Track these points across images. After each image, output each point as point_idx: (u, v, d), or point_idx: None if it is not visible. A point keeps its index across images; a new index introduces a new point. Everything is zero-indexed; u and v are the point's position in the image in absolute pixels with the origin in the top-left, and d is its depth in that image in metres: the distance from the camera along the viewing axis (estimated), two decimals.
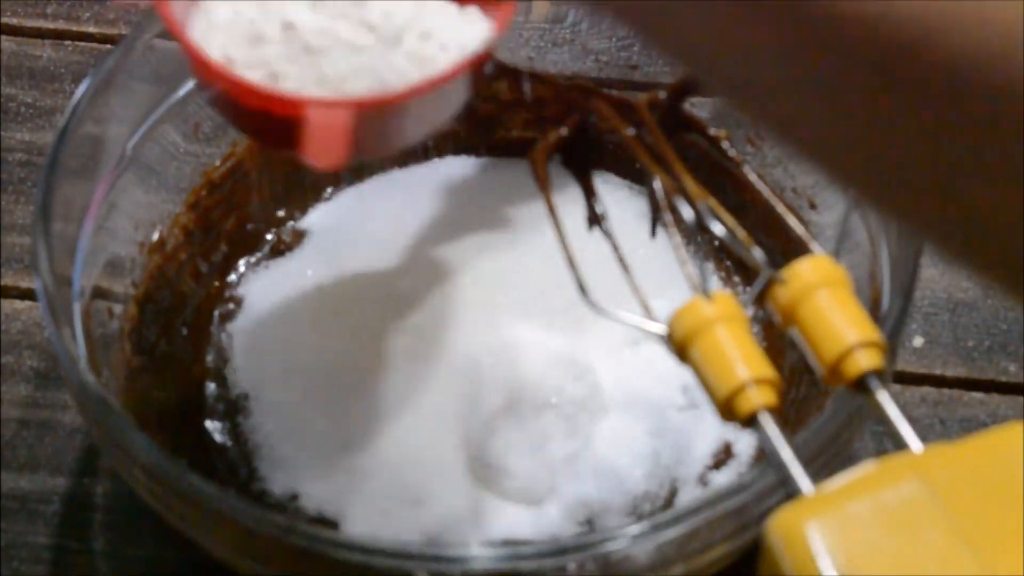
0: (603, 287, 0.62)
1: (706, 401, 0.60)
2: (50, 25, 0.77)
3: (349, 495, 0.59)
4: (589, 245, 0.56)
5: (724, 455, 0.61)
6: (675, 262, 0.64)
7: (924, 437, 0.63)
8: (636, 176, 0.69)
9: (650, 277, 0.64)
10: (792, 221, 0.52)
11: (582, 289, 0.51)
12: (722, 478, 0.60)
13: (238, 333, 0.64)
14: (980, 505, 0.41)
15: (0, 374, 0.66)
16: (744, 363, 0.46)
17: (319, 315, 0.64)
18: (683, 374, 0.60)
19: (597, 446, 0.60)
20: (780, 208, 0.53)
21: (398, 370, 0.62)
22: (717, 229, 0.49)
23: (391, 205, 0.67)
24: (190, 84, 0.63)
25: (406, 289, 0.63)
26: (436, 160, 0.69)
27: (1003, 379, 0.66)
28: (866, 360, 0.46)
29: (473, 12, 0.52)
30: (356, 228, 0.66)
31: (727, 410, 0.47)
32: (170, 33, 0.50)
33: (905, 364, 0.65)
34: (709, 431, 0.61)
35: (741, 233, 0.50)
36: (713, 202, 0.51)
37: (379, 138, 0.51)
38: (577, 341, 0.62)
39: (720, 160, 0.57)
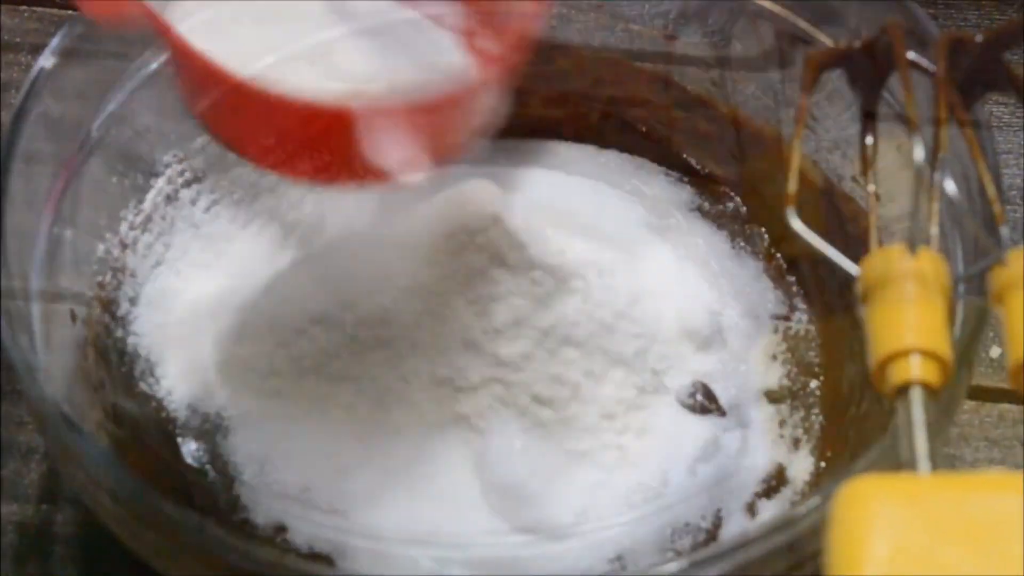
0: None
1: (758, 420, 0.61)
2: None
3: (344, 527, 0.57)
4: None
5: (776, 481, 0.60)
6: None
7: None
8: (672, 162, 0.68)
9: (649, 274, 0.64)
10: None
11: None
12: (773, 507, 0.59)
13: (213, 341, 0.62)
14: None
15: None
16: (917, 329, 0.46)
17: (301, 318, 0.62)
18: (730, 390, 0.61)
19: (630, 471, 0.59)
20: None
21: (395, 381, 0.60)
22: (949, 188, 0.49)
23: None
24: (163, 56, 0.62)
25: (400, 286, 0.61)
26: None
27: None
28: None
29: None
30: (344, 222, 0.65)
31: (880, 374, 0.46)
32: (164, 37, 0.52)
33: None
34: (759, 454, 0.60)
35: (998, 208, 0.50)
36: (982, 167, 0.51)
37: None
38: (612, 351, 0.60)
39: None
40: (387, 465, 0.59)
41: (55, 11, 0.76)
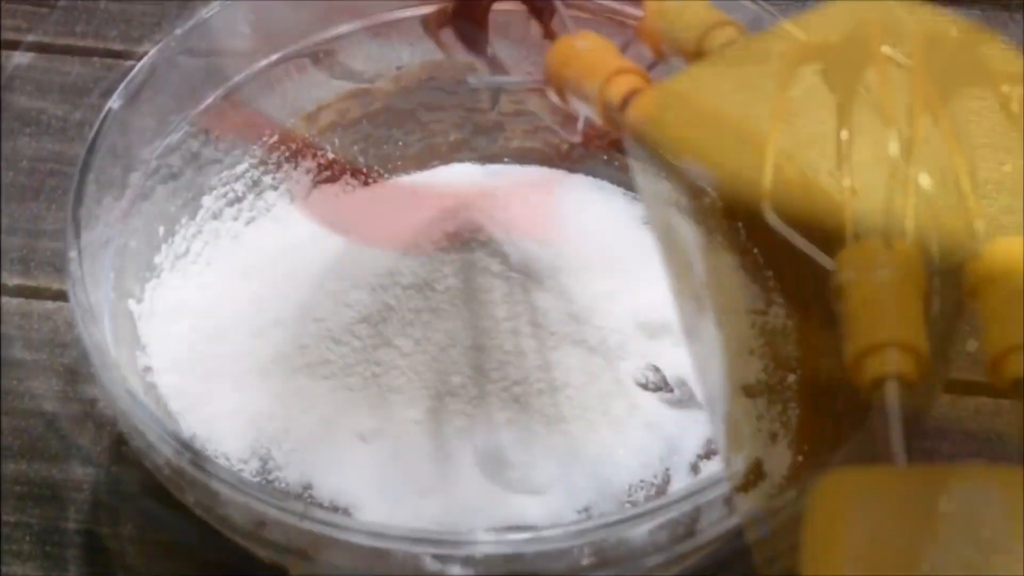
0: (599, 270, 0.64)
1: (735, 414, 0.60)
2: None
3: (345, 524, 0.56)
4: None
5: (753, 475, 0.58)
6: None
7: None
8: (629, 183, 0.67)
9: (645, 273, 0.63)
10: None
11: None
12: (749, 501, 0.57)
13: (206, 341, 0.62)
14: None
15: None
16: (893, 323, 0.46)
17: (298, 316, 0.62)
18: (706, 385, 0.60)
19: (631, 469, 0.60)
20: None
21: (395, 379, 0.61)
22: (924, 182, 0.49)
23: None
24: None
25: (403, 283, 0.62)
26: (440, 167, 0.71)
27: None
28: None
29: None
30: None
31: (856, 368, 0.46)
32: None
33: None
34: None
35: (973, 202, 0.49)
36: (958, 160, 0.51)
37: None
38: (600, 347, 0.61)
39: None
40: (388, 462, 0.59)
41: (31, 8, 0.74)
